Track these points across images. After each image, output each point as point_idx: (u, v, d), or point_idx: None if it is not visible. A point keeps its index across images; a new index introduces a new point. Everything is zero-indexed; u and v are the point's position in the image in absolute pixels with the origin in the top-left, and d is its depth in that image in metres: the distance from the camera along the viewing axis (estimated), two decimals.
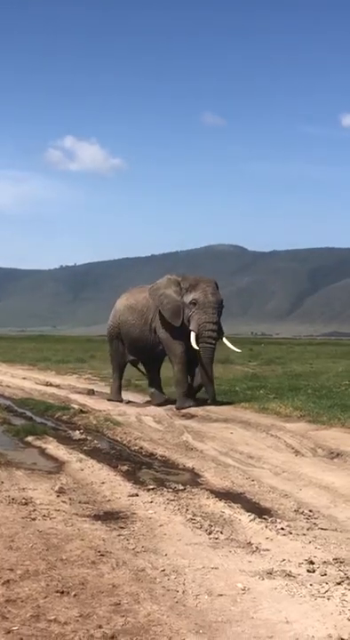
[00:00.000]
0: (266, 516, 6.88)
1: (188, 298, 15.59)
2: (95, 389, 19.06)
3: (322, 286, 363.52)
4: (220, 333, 15.76)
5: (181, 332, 15.61)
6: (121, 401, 16.66)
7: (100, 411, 14.67)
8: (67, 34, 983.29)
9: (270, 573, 5.18)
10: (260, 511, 7.15)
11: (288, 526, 6.51)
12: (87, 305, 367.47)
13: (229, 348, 17.31)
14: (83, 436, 11.83)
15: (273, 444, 11.01)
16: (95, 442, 11.38)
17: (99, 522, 6.57)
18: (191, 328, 15.39)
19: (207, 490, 8.02)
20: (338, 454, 10.04)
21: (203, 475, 9.00)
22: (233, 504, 7.28)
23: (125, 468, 9.32)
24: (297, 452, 10.35)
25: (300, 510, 7.16)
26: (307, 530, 6.46)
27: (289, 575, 5.14)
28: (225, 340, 16.23)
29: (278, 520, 6.73)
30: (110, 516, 6.82)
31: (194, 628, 4.20)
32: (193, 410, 14.73)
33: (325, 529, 6.50)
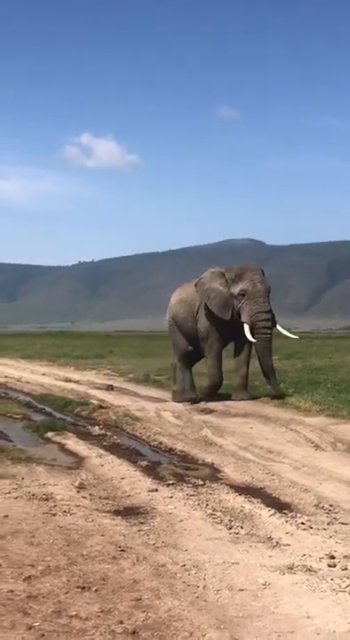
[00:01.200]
0: (286, 511, 6.87)
1: (236, 289, 15.17)
2: (114, 385, 19.09)
3: (340, 280, 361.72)
4: (274, 322, 15.27)
5: (222, 327, 15.28)
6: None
7: (119, 406, 14.70)
8: (83, 29, 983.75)
9: (291, 568, 5.17)
10: (280, 506, 7.14)
11: (308, 521, 6.49)
12: (104, 301, 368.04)
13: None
14: (103, 432, 11.86)
15: (292, 438, 10.98)
16: (114, 437, 11.41)
17: (120, 517, 6.58)
18: (243, 320, 14.97)
19: (227, 485, 8.02)
20: None
21: (223, 470, 9.00)
22: (253, 499, 7.28)
23: (145, 463, 9.33)
24: (316, 447, 10.32)
25: (320, 505, 7.14)
26: (328, 524, 6.44)
27: (309, 570, 5.13)
28: (279, 327, 15.74)
29: (298, 515, 6.72)
30: (130, 512, 6.83)
31: (215, 623, 4.19)
32: (212, 405, 14.72)
33: (346, 523, 6.48)
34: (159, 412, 13.83)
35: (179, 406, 14.77)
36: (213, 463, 9.40)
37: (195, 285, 16.03)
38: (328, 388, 15.93)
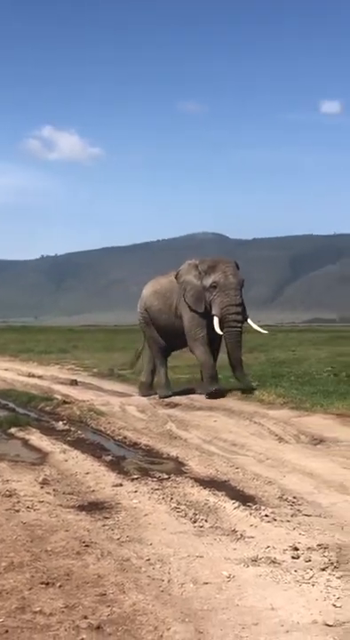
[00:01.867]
0: (250, 504, 6.89)
1: (208, 281, 14.90)
2: (78, 379, 19.02)
3: (302, 274, 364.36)
4: (245, 315, 14.99)
5: (203, 318, 14.98)
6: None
7: (84, 401, 14.65)
8: (45, 22, 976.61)
9: (255, 560, 5.20)
10: (245, 498, 7.16)
11: (272, 513, 6.52)
12: (69, 295, 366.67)
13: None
14: (67, 427, 11.81)
15: (256, 431, 11.03)
16: (79, 432, 11.37)
17: (84, 512, 6.56)
18: (214, 313, 14.72)
19: (191, 478, 8.03)
20: (320, 440, 10.08)
21: (188, 463, 9.01)
22: (217, 492, 7.30)
23: (109, 458, 9.32)
24: (280, 439, 10.38)
25: (284, 497, 7.18)
26: (291, 516, 6.48)
27: (273, 562, 5.16)
28: (250, 321, 15.34)
29: (262, 507, 6.75)
30: (95, 507, 6.81)
31: (180, 616, 4.20)
32: (176, 398, 14.74)
33: (309, 515, 6.53)
34: (123, 407, 13.82)
35: (144, 400, 14.77)
36: (178, 457, 9.41)
37: (175, 277, 15.67)
38: (291, 380, 16.03)
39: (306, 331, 63.59)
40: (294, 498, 7.13)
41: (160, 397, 15.20)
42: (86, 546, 5.45)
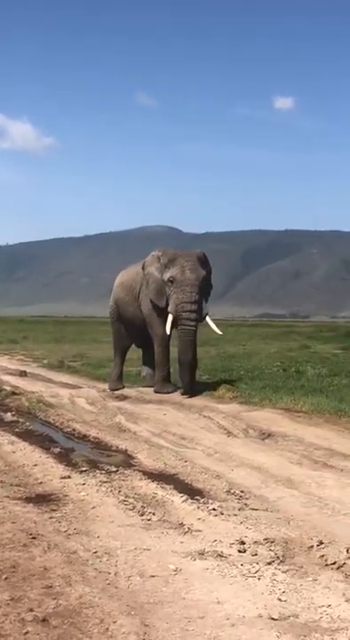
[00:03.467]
0: (198, 497, 6.91)
1: (167, 275, 14.25)
2: (27, 371, 18.89)
3: (253, 269, 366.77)
4: (201, 314, 14.23)
5: (164, 312, 14.33)
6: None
7: (33, 392, 14.54)
8: None
9: (202, 554, 5.21)
10: (193, 492, 7.18)
11: (219, 507, 6.55)
12: (20, 285, 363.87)
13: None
14: (15, 418, 11.71)
15: (205, 425, 11.07)
16: (27, 424, 11.29)
17: (31, 504, 6.52)
18: (168, 310, 14.10)
19: (140, 471, 8.03)
20: (269, 435, 10.15)
21: (136, 456, 9.01)
22: (165, 485, 7.30)
23: (58, 450, 9.26)
24: (229, 433, 10.43)
25: (232, 491, 7.22)
26: (239, 510, 6.51)
27: (220, 556, 5.19)
28: (208, 320, 14.63)
29: (210, 501, 6.78)
30: (42, 499, 6.77)
31: (126, 609, 4.20)
32: (126, 391, 14.73)
33: (256, 509, 6.57)
34: (73, 399, 13.75)
35: (94, 392, 14.72)
36: (127, 450, 9.40)
37: (142, 268, 15.10)
38: (241, 375, 16.13)
39: (256, 325, 64.07)
40: (242, 492, 7.17)
41: (110, 390, 15.12)
42: (33, 538, 5.42)
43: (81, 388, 15.69)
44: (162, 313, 14.42)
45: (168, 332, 14.11)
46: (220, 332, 16.06)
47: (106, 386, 15.64)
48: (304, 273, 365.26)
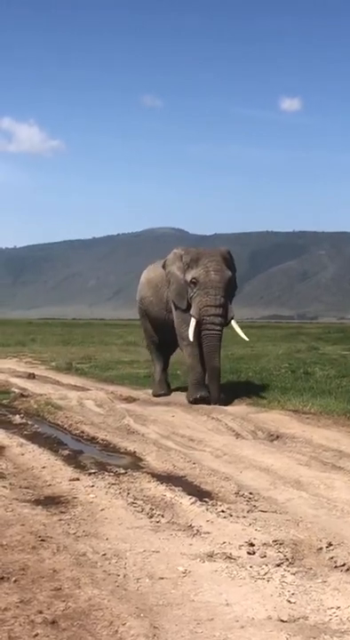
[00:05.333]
0: (206, 499, 6.91)
1: (189, 275, 13.40)
2: (36, 373, 18.91)
3: (261, 270, 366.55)
4: (226, 317, 13.41)
5: (188, 313, 13.51)
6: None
7: (41, 394, 14.55)
8: (4, 14, 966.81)
9: (211, 556, 5.21)
10: (201, 494, 7.18)
11: (228, 509, 6.55)
12: (27, 288, 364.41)
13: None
14: (24, 421, 11.72)
15: (214, 426, 11.06)
16: (36, 426, 11.30)
17: (40, 507, 6.52)
18: (191, 312, 13.27)
19: (148, 473, 8.03)
20: (277, 436, 10.14)
21: (145, 458, 9.01)
22: (174, 487, 7.30)
23: (66, 452, 9.27)
24: (237, 435, 10.43)
25: (240, 493, 7.21)
26: (247, 512, 6.51)
27: (229, 557, 5.18)
28: (233, 324, 13.81)
29: (219, 503, 6.77)
30: (51, 501, 6.78)
31: (135, 611, 4.20)
32: (134, 393, 14.71)
33: (265, 511, 6.56)
34: (81, 401, 13.75)
35: (102, 394, 14.71)
36: (135, 452, 9.40)
37: (163, 267, 14.37)
38: (249, 376, 16.13)
39: (264, 327, 63.99)
40: (250, 494, 7.16)
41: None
42: (42, 540, 5.42)
43: (89, 390, 15.67)
44: (188, 316, 13.54)
45: (191, 338, 13.21)
46: (247, 338, 15.37)
47: (114, 388, 15.64)
48: (312, 274, 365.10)
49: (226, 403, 12.94)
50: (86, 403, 13.60)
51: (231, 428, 10.81)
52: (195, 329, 13.23)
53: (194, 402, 13.11)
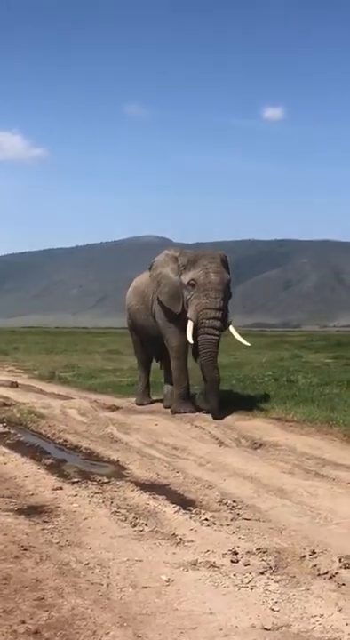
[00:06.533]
0: (190, 508, 6.91)
1: (186, 277, 12.69)
2: (18, 382, 18.83)
3: (244, 279, 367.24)
4: (225, 322, 12.81)
5: (180, 319, 12.88)
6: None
7: (24, 403, 14.48)
8: None
9: (194, 564, 5.21)
10: (185, 502, 7.17)
11: (212, 517, 6.55)
12: (10, 296, 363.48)
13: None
14: (6, 430, 11.67)
15: (197, 435, 11.06)
16: (18, 435, 11.25)
17: (23, 516, 6.49)
18: (188, 316, 12.56)
19: (132, 482, 8.01)
20: (260, 444, 10.15)
21: (128, 467, 8.99)
22: (157, 496, 7.29)
23: (49, 461, 9.23)
24: (221, 443, 10.43)
25: (224, 501, 7.21)
26: (231, 520, 6.51)
27: (213, 566, 5.18)
28: (232, 329, 13.22)
29: (202, 511, 6.77)
30: (34, 510, 6.75)
31: (119, 621, 4.19)
32: (117, 401, 14.69)
33: (248, 519, 6.56)
34: (64, 410, 13.70)
35: (85, 403, 14.66)
36: (118, 460, 9.38)
37: (149, 269, 13.76)
38: (232, 384, 16.13)
39: (246, 335, 63.99)
40: (234, 502, 7.16)
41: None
42: (25, 550, 5.40)
43: (72, 398, 15.62)
44: (177, 321, 12.95)
45: (190, 341, 12.54)
46: (248, 344, 14.62)
47: (97, 396, 15.61)
48: (295, 282, 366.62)
49: (225, 415, 12.25)
50: (69, 411, 13.55)
51: (214, 436, 10.81)
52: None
53: (178, 413, 12.83)
